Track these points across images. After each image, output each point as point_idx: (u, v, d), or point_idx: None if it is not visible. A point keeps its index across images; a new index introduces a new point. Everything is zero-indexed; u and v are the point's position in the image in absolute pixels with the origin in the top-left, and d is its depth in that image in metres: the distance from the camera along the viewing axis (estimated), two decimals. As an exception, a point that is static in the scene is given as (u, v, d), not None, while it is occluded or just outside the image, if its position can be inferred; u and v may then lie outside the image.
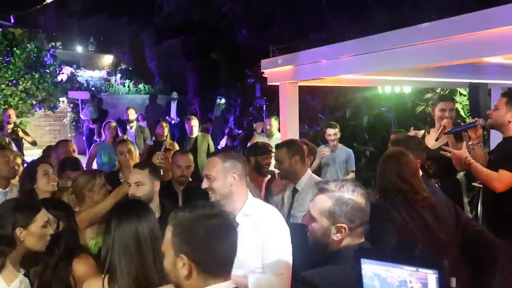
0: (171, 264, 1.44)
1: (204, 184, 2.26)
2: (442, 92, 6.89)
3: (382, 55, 3.50)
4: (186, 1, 14.46)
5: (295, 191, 3.36)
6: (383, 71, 4.12)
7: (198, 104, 14.39)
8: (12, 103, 9.24)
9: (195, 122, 6.35)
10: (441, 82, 5.93)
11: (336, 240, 1.77)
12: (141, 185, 2.78)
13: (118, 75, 16.16)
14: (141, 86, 15.12)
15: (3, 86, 9.08)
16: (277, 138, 6.00)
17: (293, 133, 4.93)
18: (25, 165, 3.91)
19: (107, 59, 19.29)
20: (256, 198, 2.40)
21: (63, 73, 11.94)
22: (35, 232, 2.10)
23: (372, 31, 3.87)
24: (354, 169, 5.74)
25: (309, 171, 3.40)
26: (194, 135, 6.31)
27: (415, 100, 7.61)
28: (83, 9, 20.66)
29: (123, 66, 17.73)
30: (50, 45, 15.12)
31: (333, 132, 5.57)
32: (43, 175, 3.21)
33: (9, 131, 6.42)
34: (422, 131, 4.04)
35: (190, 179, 3.93)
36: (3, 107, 8.87)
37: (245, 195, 2.30)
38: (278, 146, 3.44)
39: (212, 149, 6.30)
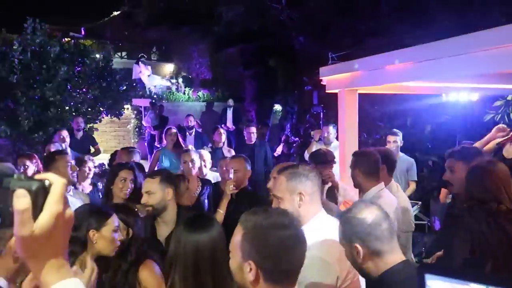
0: (238, 266, 1.47)
1: (274, 204, 2.15)
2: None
3: (448, 61, 3.34)
4: (245, 10, 14.70)
5: None
6: (448, 78, 3.94)
7: (255, 111, 14.53)
8: (83, 110, 9.83)
9: (253, 129, 6.42)
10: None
11: (360, 262, 1.74)
12: (152, 193, 2.78)
13: (180, 80, 16.68)
14: (200, 93, 15.52)
15: (74, 94, 9.68)
16: (335, 146, 5.92)
17: (352, 141, 4.84)
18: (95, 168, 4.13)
19: (169, 68, 20.01)
20: (326, 219, 2.19)
21: (132, 84, 12.35)
22: (107, 236, 2.18)
23: (435, 36, 3.72)
24: (415, 179, 5.52)
25: (380, 185, 3.11)
26: (252, 142, 6.37)
27: (483, 108, 7.22)
28: (147, 20, 21.62)
29: (184, 74, 18.30)
30: (140, 55, 16.03)
31: (393, 139, 5.38)
32: (120, 180, 3.36)
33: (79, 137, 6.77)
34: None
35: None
36: (74, 113, 9.47)
37: (314, 215, 2.12)
38: (352, 154, 3.35)
39: (269, 156, 6.33)
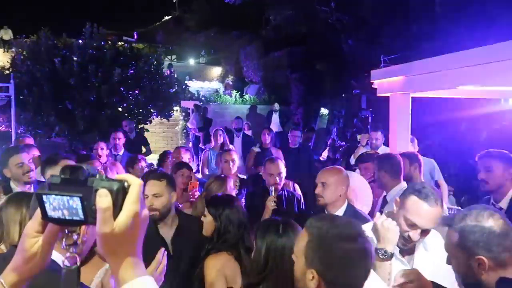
0: (301, 272, 1.44)
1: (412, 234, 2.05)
2: None
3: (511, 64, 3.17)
4: (293, 13, 14.69)
5: (385, 201, 3.41)
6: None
7: (301, 115, 14.46)
8: (135, 111, 10.16)
9: (298, 133, 6.42)
10: None
11: (481, 275, 1.53)
12: (159, 196, 2.69)
13: (230, 79, 16.94)
14: (246, 96, 15.66)
15: (127, 96, 10.03)
16: (382, 151, 5.78)
17: (403, 147, 4.69)
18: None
19: (216, 71, 20.34)
20: None
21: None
22: None
23: (495, 38, 3.53)
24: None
25: (403, 184, 3.32)
26: (296, 146, 6.37)
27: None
28: (196, 24, 22.13)
29: (231, 77, 18.54)
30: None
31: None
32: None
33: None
34: None
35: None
36: (126, 114, 9.81)
37: None
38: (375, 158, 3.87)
39: (312, 162, 6.36)
